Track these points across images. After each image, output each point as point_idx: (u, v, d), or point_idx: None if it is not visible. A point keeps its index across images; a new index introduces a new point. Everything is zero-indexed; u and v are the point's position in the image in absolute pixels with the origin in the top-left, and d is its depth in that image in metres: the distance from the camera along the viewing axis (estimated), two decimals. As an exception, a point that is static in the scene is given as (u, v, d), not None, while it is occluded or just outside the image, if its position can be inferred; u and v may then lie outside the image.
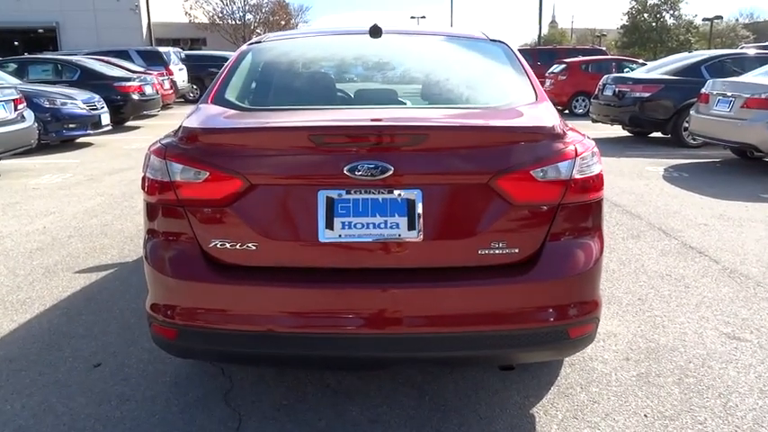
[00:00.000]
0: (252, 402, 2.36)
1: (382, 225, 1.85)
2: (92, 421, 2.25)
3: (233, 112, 2.24)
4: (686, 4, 55.04)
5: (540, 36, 36.58)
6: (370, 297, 1.88)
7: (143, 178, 2.07)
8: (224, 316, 1.91)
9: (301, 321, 1.89)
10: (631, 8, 51.80)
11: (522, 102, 2.27)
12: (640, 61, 17.83)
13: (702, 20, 45.53)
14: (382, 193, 1.85)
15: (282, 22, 46.40)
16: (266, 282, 1.90)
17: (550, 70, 16.20)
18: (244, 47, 2.81)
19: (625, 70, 15.06)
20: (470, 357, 2.05)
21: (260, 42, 2.83)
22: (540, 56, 19.00)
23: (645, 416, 2.25)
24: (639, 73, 10.88)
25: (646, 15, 50.99)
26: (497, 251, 1.88)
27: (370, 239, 1.85)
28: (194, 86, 19.90)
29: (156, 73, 14.96)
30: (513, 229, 1.89)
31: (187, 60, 19.95)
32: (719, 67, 9.29)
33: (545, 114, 2.10)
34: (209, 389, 2.46)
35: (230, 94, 2.36)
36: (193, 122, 2.05)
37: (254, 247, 1.89)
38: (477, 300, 1.88)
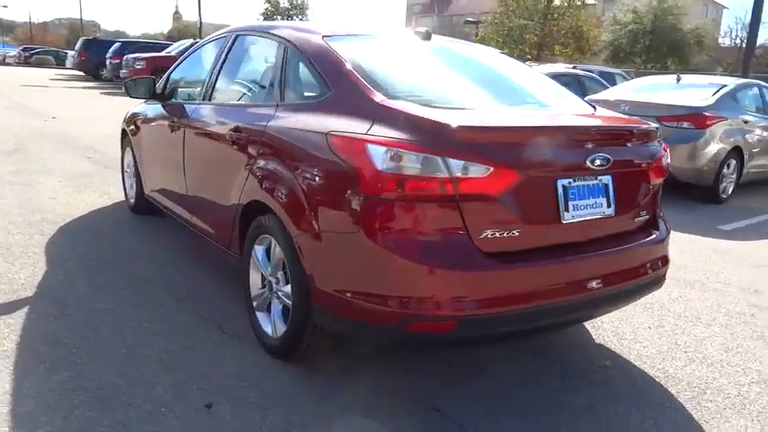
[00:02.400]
0: (417, 394, 2.44)
1: (593, 205, 2.39)
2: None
3: (458, 112, 2.29)
4: (311, 11, 61.73)
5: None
6: (595, 264, 2.38)
7: (393, 177, 2.03)
8: (504, 299, 2.13)
9: (563, 292, 2.26)
10: (266, 9, 55.44)
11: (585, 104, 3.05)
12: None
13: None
14: (591, 179, 2.38)
15: None
16: (533, 262, 2.21)
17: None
18: (318, 38, 2.70)
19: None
20: (623, 305, 2.79)
21: (340, 36, 2.78)
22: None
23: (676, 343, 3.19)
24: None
25: (279, 17, 55.24)
26: (640, 218, 2.64)
27: (590, 217, 2.38)
28: None
29: None
30: (648, 202, 2.66)
31: None
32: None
33: None
34: (352, 401, 2.38)
35: (401, 93, 2.35)
36: (459, 120, 2.09)
37: (516, 234, 2.17)
38: (639, 256, 2.59)
